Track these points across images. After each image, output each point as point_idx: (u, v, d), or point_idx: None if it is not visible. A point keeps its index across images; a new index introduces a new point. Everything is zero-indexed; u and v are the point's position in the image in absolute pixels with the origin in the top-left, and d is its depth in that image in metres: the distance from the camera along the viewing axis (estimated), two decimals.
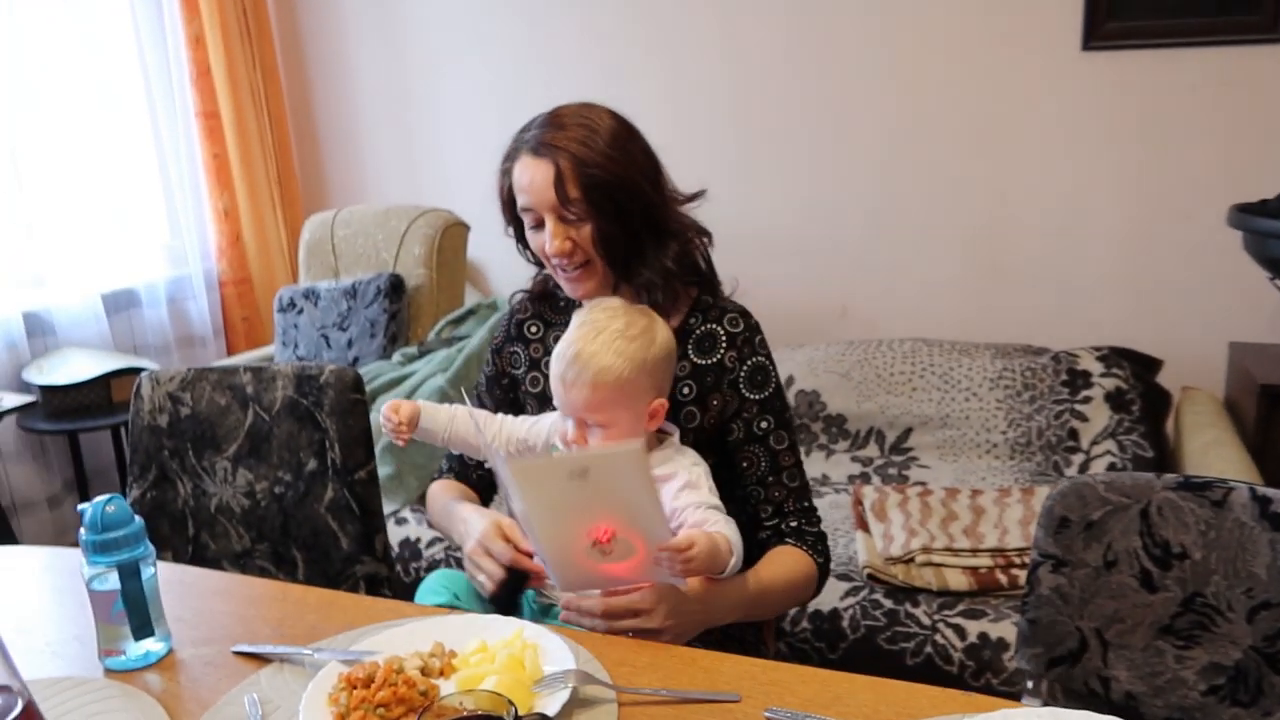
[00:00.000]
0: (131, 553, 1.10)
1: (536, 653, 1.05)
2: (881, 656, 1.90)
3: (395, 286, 3.12)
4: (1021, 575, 1.93)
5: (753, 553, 1.40)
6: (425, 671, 1.04)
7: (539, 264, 1.53)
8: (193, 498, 1.79)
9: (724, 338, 1.44)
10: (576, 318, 1.35)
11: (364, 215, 3.34)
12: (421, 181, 3.72)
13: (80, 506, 1.11)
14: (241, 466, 1.78)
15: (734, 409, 1.43)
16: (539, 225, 1.39)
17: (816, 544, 1.45)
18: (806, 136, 3.09)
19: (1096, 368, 2.52)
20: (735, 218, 3.17)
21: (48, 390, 3.03)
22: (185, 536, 1.80)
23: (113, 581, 1.09)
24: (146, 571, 1.12)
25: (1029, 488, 2.27)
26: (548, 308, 1.57)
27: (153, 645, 1.13)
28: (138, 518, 1.11)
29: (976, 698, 0.99)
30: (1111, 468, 2.38)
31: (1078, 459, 2.45)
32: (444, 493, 1.57)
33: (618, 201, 1.36)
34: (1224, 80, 2.70)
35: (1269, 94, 2.66)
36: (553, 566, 1.22)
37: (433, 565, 2.34)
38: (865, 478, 2.54)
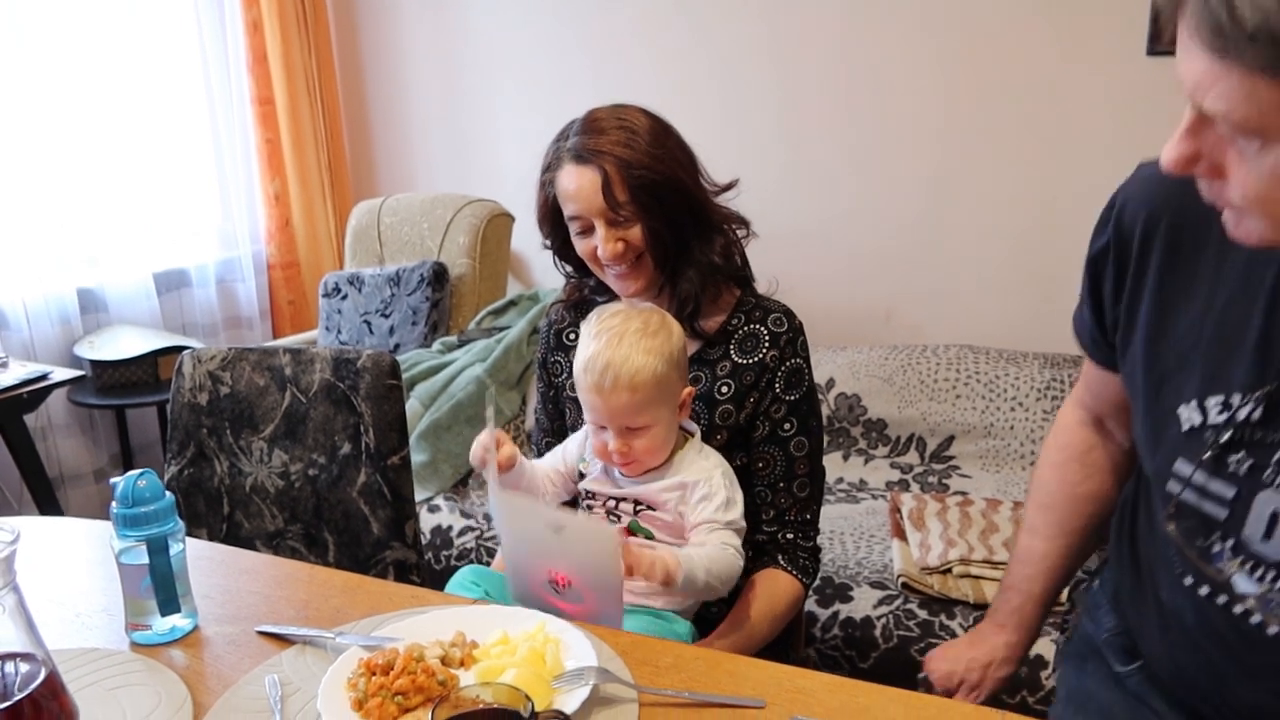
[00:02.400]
0: (161, 527, 1.10)
1: (559, 647, 1.03)
2: (914, 668, 1.86)
3: (439, 275, 3.13)
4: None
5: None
6: (446, 661, 1.03)
7: (576, 273, 1.53)
8: (229, 476, 1.81)
9: (767, 337, 1.42)
10: (586, 331, 1.32)
11: (410, 203, 3.35)
12: (469, 172, 3.73)
13: (113, 480, 1.11)
14: (277, 447, 1.78)
15: (764, 407, 1.41)
16: (587, 231, 1.38)
17: (807, 562, 1.45)
18: (856, 136, 3.05)
19: None
20: (782, 217, 3.15)
21: (98, 365, 3.09)
22: (220, 515, 1.82)
23: (142, 556, 1.10)
24: (175, 547, 1.12)
25: None
26: (584, 315, 1.56)
27: (179, 621, 1.13)
28: (169, 493, 1.12)
29: (1011, 716, 0.96)
30: None
31: None
32: None
33: (663, 200, 1.36)
34: None
35: None
36: (511, 579, 1.30)
37: (464, 554, 2.34)
38: (904, 485, 2.49)
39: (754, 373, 1.41)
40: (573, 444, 1.45)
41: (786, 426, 1.42)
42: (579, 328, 1.54)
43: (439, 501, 2.46)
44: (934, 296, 3.03)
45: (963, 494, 2.32)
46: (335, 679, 1.00)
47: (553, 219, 1.46)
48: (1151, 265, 0.93)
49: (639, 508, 1.34)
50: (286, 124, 3.63)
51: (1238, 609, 0.88)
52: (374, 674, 0.98)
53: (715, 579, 1.25)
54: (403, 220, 3.33)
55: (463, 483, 2.56)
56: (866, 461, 2.61)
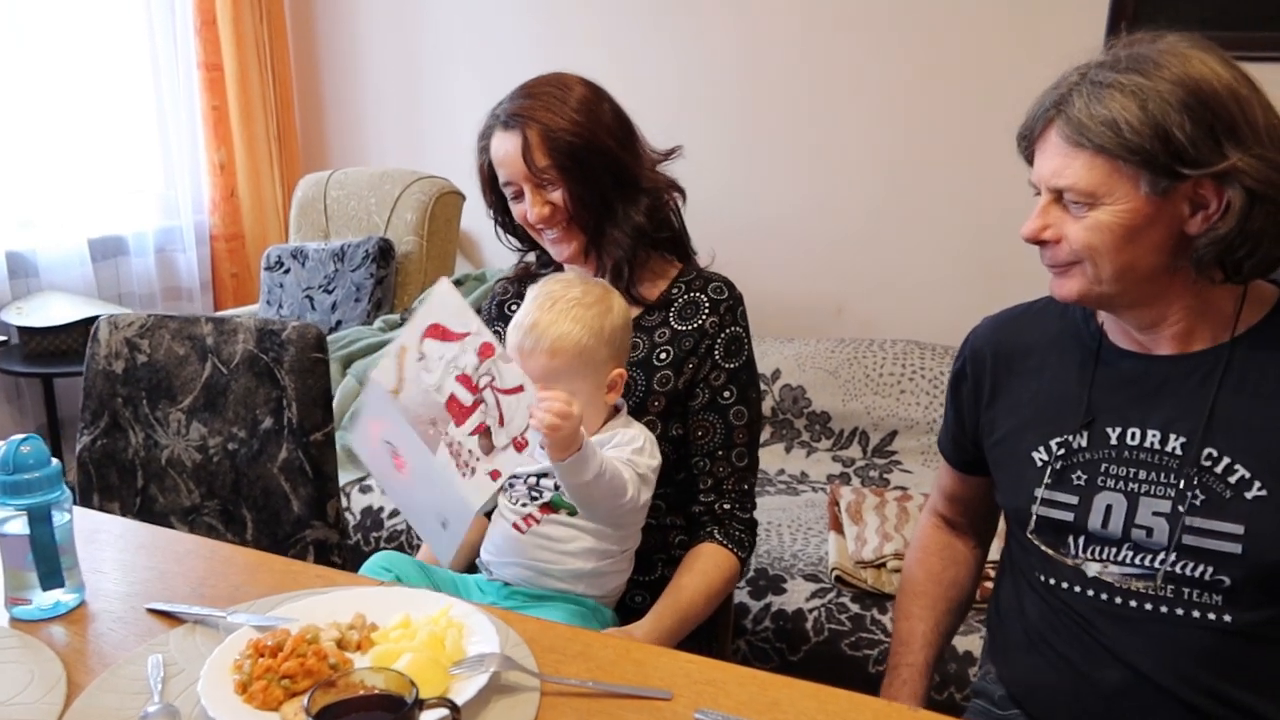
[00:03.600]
0: (44, 496, 1.04)
1: (461, 632, 0.99)
2: (844, 662, 1.84)
3: (384, 251, 3.06)
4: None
5: (680, 533, 1.41)
6: (342, 644, 0.98)
7: (522, 247, 1.55)
8: (144, 448, 1.74)
9: (707, 304, 1.42)
10: (530, 292, 1.32)
11: (359, 178, 3.28)
12: (422, 148, 3.65)
13: None
14: (195, 420, 1.72)
15: (704, 374, 1.39)
16: (520, 196, 1.40)
17: (743, 535, 1.43)
18: (813, 132, 3.02)
19: None
20: (736, 207, 3.11)
21: (25, 332, 2.98)
22: (134, 488, 1.75)
23: (24, 526, 1.04)
24: (60, 518, 1.06)
25: None
26: (527, 287, 1.53)
27: (63, 596, 1.08)
28: (55, 460, 1.06)
29: (922, 713, 0.94)
30: None
31: None
32: None
33: (584, 163, 1.36)
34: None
35: None
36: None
37: (393, 536, 2.28)
38: (845, 478, 2.47)
39: (693, 339, 1.40)
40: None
41: (726, 394, 1.41)
42: (521, 298, 1.52)
43: (371, 481, 2.40)
44: (885, 291, 3.02)
45: (902, 489, 2.31)
46: (221, 660, 0.95)
47: (492, 187, 1.46)
48: (996, 378, 1.24)
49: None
50: (235, 91, 3.53)
51: (1089, 592, 1.12)
52: (261, 655, 0.94)
53: (603, 481, 1.19)
54: (350, 195, 3.25)
55: None
56: (809, 454, 2.59)
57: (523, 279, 1.54)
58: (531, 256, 1.57)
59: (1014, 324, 1.26)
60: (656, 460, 1.30)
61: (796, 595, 1.93)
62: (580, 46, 3.26)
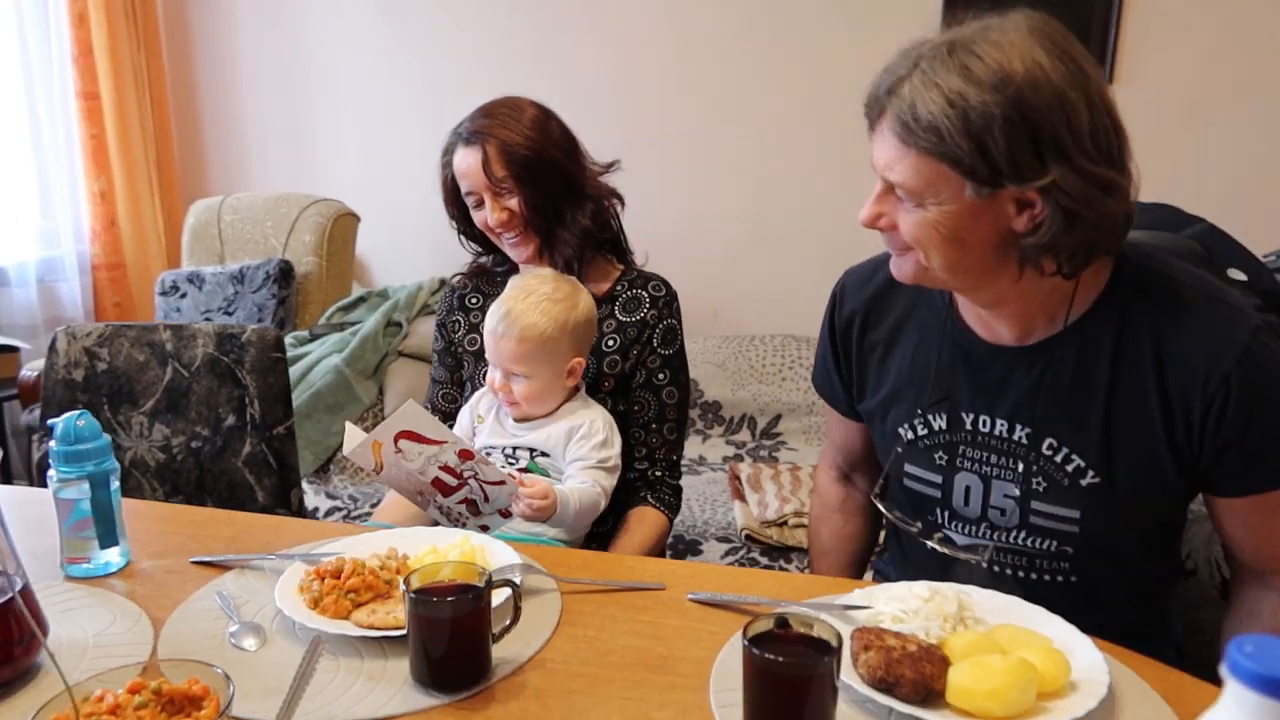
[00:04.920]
0: (102, 464, 1.17)
1: (484, 553, 1.18)
2: None
3: (285, 272, 3.15)
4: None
5: (618, 493, 1.58)
6: (383, 570, 1.16)
7: (480, 250, 1.73)
8: None
9: (648, 300, 1.63)
10: (511, 281, 1.53)
11: (253, 201, 3.35)
12: (307, 172, 3.74)
13: (51, 421, 1.17)
14: (158, 421, 1.82)
15: (644, 359, 1.62)
16: (480, 204, 1.59)
17: (672, 499, 1.65)
18: (687, 156, 3.32)
19: None
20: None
21: None
22: None
23: (78, 492, 1.16)
24: (113, 484, 1.19)
25: None
26: (484, 281, 1.73)
27: (113, 556, 1.20)
28: (106, 435, 1.19)
29: (867, 583, 1.19)
30: None
31: None
32: None
33: (538, 174, 1.57)
34: None
35: None
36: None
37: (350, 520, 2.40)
38: (739, 459, 2.75)
39: (636, 329, 1.62)
40: (466, 409, 1.61)
41: (660, 376, 1.63)
42: (479, 292, 1.72)
43: (304, 485, 2.50)
44: (757, 296, 3.33)
45: (792, 464, 2.60)
46: (286, 587, 1.11)
47: (455, 198, 1.64)
48: (866, 339, 1.32)
49: (534, 453, 1.50)
50: (113, 120, 3.54)
51: (953, 554, 1.25)
52: (323, 579, 1.10)
53: (580, 517, 1.44)
54: (245, 219, 3.32)
55: (324, 468, 2.62)
56: (704, 440, 2.85)
57: (478, 274, 1.73)
58: (485, 258, 1.75)
59: (879, 287, 1.31)
60: (618, 443, 1.51)
61: (712, 554, 2.18)
62: (461, 69, 3.45)
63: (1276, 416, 1.08)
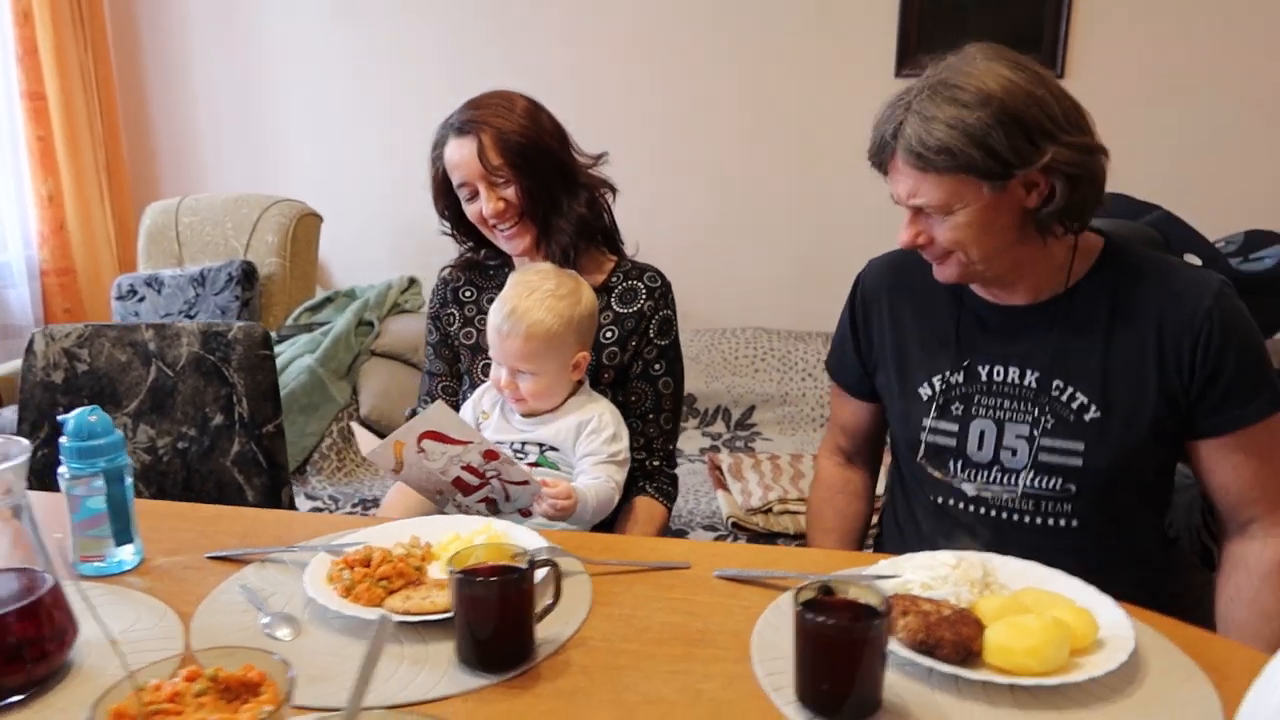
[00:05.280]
0: (116, 460, 1.15)
1: (508, 539, 1.19)
2: None
3: (248, 274, 3.10)
4: None
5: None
6: (409, 558, 1.15)
7: (472, 246, 1.70)
8: None
9: (644, 291, 1.63)
10: (512, 279, 1.51)
11: (211, 203, 3.29)
12: (262, 173, 3.69)
13: (61, 417, 1.15)
14: (143, 422, 1.79)
15: (641, 349, 1.62)
16: (474, 196, 1.57)
17: (669, 488, 1.67)
18: (652, 147, 3.34)
19: None
20: None
21: None
22: None
23: (92, 488, 1.14)
24: (127, 480, 1.17)
25: None
26: (478, 274, 1.72)
27: (127, 554, 1.18)
28: (118, 430, 1.16)
29: (878, 555, 1.22)
30: None
31: None
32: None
33: (533, 161, 1.56)
34: None
35: None
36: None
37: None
38: (715, 450, 2.78)
39: (634, 320, 1.62)
40: (468, 405, 1.59)
41: (656, 367, 1.64)
42: (473, 285, 1.71)
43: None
44: (724, 291, 3.36)
45: (770, 454, 2.64)
46: (314, 577, 1.10)
47: (445, 192, 1.62)
48: (890, 315, 1.48)
49: (544, 448, 1.50)
50: (60, 121, 3.45)
51: (969, 508, 1.37)
52: (352, 568, 1.09)
53: (597, 514, 1.45)
54: (204, 220, 3.26)
55: (300, 469, 2.58)
56: (681, 432, 2.87)
57: (471, 267, 1.71)
58: (477, 253, 1.72)
59: (901, 269, 1.47)
60: (626, 436, 1.52)
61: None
62: (418, 68, 3.43)
63: (1246, 353, 1.27)
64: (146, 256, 3.30)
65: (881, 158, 1.29)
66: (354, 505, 2.35)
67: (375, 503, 2.31)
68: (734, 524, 2.24)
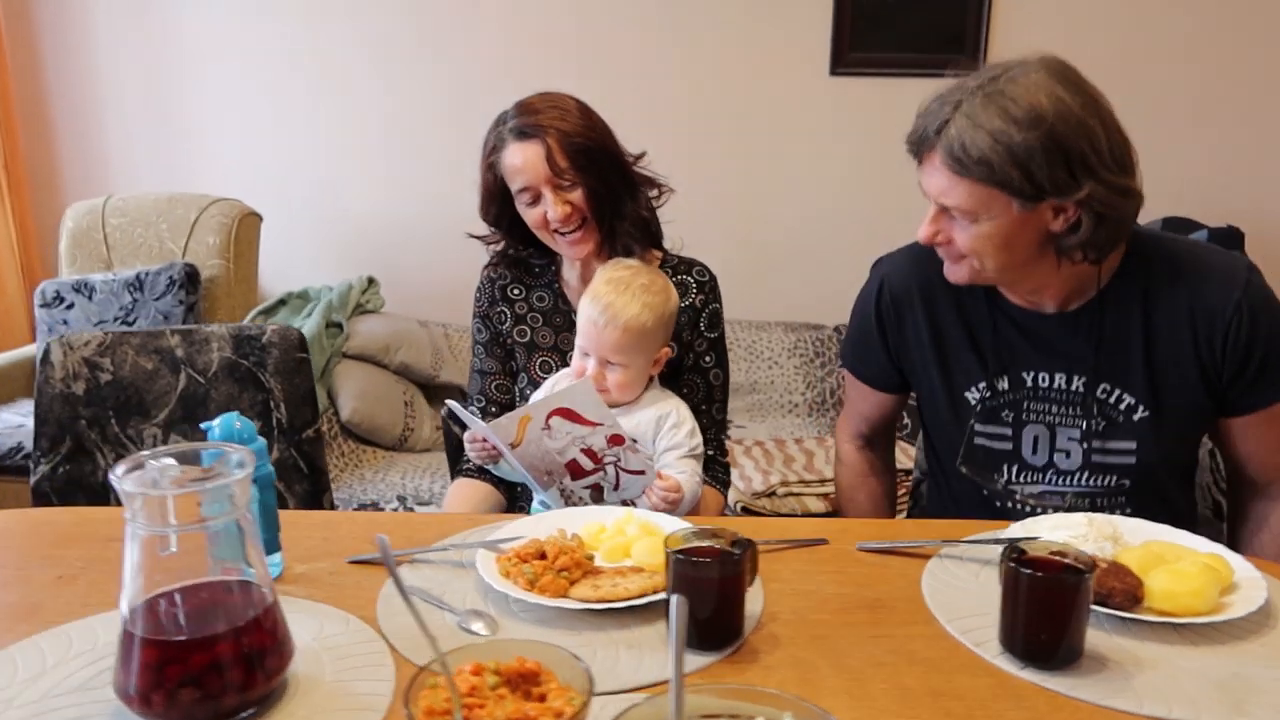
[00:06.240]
0: (263, 468, 1.11)
1: (654, 526, 1.21)
2: None
3: (190, 277, 2.95)
4: None
5: None
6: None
7: (522, 244, 1.68)
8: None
9: (694, 285, 1.67)
10: (601, 274, 1.51)
11: (141, 203, 3.11)
12: (178, 172, 3.50)
13: (205, 425, 1.10)
14: (174, 433, 1.70)
15: (692, 342, 1.66)
16: (535, 201, 1.56)
17: (725, 476, 1.72)
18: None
19: None
20: None
21: None
22: None
23: None
24: (272, 487, 1.13)
25: None
26: (524, 272, 1.72)
27: (275, 562, 1.14)
28: (261, 438, 1.13)
29: (1002, 524, 1.30)
30: None
31: None
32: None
33: (598, 162, 1.57)
34: None
35: None
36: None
37: None
38: None
39: (686, 314, 1.65)
40: (540, 394, 1.59)
41: (707, 359, 1.68)
42: (520, 283, 1.70)
43: None
44: None
45: (756, 440, 2.72)
46: (491, 574, 1.10)
47: (500, 198, 1.61)
48: (922, 312, 1.46)
49: None
50: None
51: (1016, 505, 1.42)
52: (527, 561, 1.10)
53: (690, 507, 1.48)
54: (134, 222, 3.08)
55: None
56: None
57: (516, 265, 1.71)
58: (497, 246, 1.71)
59: (923, 266, 1.44)
60: (699, 432, 1.55)
61: None
62: (335, 63, 3.34)
63: (1275, 338, 1.34)
64: (70, 261, 3.09)
65: (920, 149, 1.29)
66: (356, 508, 2.28)
67: (375, 505, 2.25)
68: (744, 509, 2.31)
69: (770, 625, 1.05)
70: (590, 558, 1.13)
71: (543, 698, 0.82)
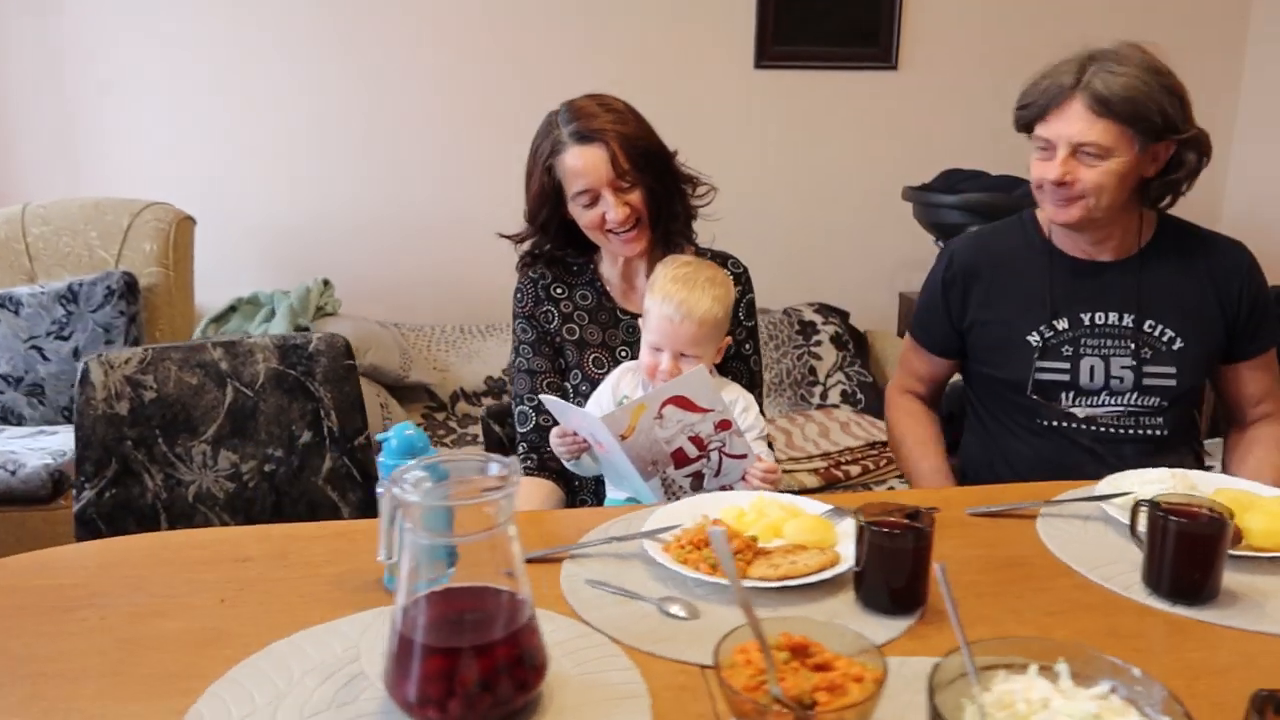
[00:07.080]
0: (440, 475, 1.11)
1: (788, 506, 1.28)
2: None
3: (130, 286, 2.79)
4: (853, 469, 2.46)
5: None
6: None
7: (559, 248, 1.73)
8: (165, 489, 1.62)
9: (731, 278, 1.73)
10: (662, 270, 1.57)
11: (66, 210, 2.92)
12: (92, 177, 3.29)
13: (379, 435, 1.10)
14: (224, 448, 1.65)
15: (732, 331, 1.73)
16: (594, 203, 1.60)
17: (769, 449, 1.81)
18: (512, 140, 3.36)
19: (817, 318, 3.18)
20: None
21: None
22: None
23: None
24: None
25: (827, 409, 2.83)
26: (564, 271, 1.75)
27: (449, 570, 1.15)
28: (434, 447, 1.13)
29: (1086, 483, 1.43)
30: (844, 394, 3.04)
31: (818, 389, 3.07)
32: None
33: (654, 163, 1.64)
34: (857, 95, 3.55)
35: (887, 108, 3.56)
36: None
37: None
38: None
39: None
40: (606, 389, 1.63)
41: (747, 347, 1.77)
42: (562, 282, 1.73)
43: None
44: None
45: None
46: (669, 561, 1.14)
47: (553, 201, 1.65)
48: (987, 281, 1.73)
49: None
50: None
51: (1079, 426, 1.67)
52: (700, 548, 1.15)
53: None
54: (58, 230, 2.88)
55: None
56: None
57: (553, 263, 1.75)
58: (525, 246, 1.75)
59: (991, 242, 1.77)
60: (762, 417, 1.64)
61: None
62: (256, 64, 3.23)
63: (1267, 297, 1.68)
64: None
65: (1046, 103, 1.54)
66: None
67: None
68: None
69: (934, 589, 1.14)
70: (754, 539, 1.19)
71: (819, 667, 0.88)
